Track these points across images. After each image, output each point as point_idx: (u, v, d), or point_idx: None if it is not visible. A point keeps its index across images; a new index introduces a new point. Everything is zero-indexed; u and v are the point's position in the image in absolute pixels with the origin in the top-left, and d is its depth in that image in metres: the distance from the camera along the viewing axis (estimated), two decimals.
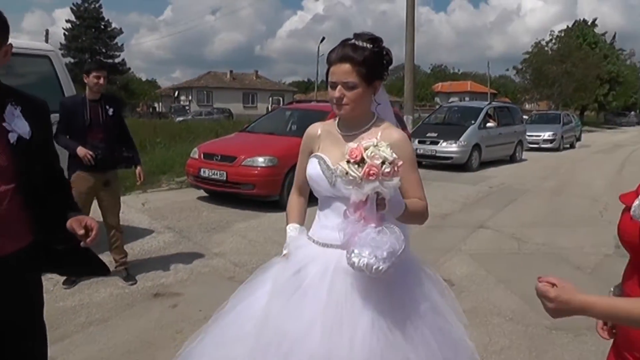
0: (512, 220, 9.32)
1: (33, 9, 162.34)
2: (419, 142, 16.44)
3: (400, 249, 2.17)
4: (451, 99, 56.09)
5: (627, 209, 1.80)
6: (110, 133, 5.75)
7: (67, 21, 64.34)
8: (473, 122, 17.21)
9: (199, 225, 8.34)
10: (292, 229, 2.63)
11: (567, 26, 62.53)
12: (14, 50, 6.16)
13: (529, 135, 22.09)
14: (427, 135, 16.88)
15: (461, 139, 16.30)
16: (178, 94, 68.07)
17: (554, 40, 56.64)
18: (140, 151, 6.80)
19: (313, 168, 2.50)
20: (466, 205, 10.74)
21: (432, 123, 18.72)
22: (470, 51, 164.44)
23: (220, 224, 8.46)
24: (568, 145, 26.53)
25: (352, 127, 2.51)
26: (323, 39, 53.71)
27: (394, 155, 2.11)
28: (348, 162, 2.11)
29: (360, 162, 2.09)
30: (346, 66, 2.37)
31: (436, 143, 16.51)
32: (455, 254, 7.16)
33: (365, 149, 2.10)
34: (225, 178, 9.42)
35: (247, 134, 11.65)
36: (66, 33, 63.76)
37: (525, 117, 25.50)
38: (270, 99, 66.22)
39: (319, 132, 2.61)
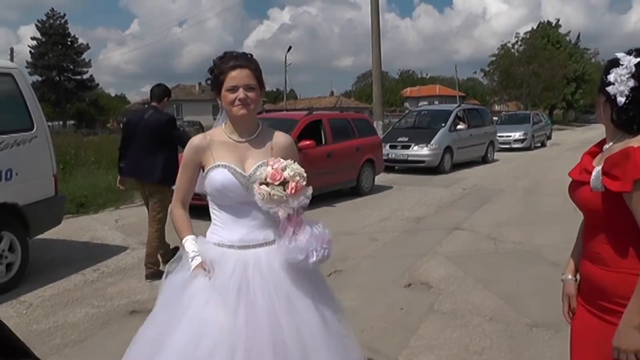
0: (487, 220, 9.38)
1: None
2: (390, 147, 16.48)
3: (329, 234, 2.62)
4: (420, 103, 56.43)
5: (579, 182, 2.19)
6: None
7: (33, 38, 63.62)
8: (443, 125, 17.33)
9: (174, 240, 8.21)
10: (192, 240, 2.70)
11: (532, 28, 63.57)
12: None
13: (499, 136, 22.33)
14: (398, 139, 16.96)
15: (432, 142, 16.40)
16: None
17: (519, 42, 57.58)
18: (112, 168, 6.73)
19: (224, 177, 2.61)
20: (440, 208, 10.78)
21: (402, 127, 18.79)
22: (438, 55, 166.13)
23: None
24: (539, 144, 26.89)
25: (244, 133, 2.72)
26: (290, 48, 53.84)
27: (301, 168, 2.51)
28: (267, 184, 2.44)
29: (283, 182, 2.44)
30: (246, 71, 2.63)
31: (407, 147, 16.59)
32: (432, 256, 7.17)
33: (284, 169, 2.46)
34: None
35: None
36: (32, 51, 63.00)
37: (495, 118, 25.78)
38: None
39: (207, 142, 2.72)
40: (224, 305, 2.47)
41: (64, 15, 65.33)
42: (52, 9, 66.63)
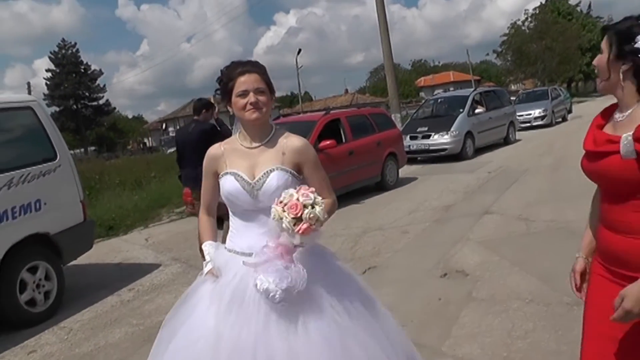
0: (516, 201, 9.28)
1: (13, 63, 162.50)
2: (411, 138, 16.40)
3: (299, 288, 2.40)
4: (436, 92, 56.00)
5: (601, 153, 2.14)
6: None
7: (47, 70, 64.52)
8: (461, 110, 17.19)
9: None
10: (209, 246, 2.75)
11: (541, 2, 62.75)
12: None
13: (519, 115, 22.09)
14: (418, 130, 16.85)
15: (452, 128, 16.27)
16: (166, 126, 67.99)
17: (529, 19, 56.88)
18: (135, 188, 6.86)
19: (231, 184, 2.64)
20: (468, 194, 10.70)
21: (420, 118, 18.68)
22: (448, 42, 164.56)
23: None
24: (560, 119, 26.54)
25: (256, 139, 2.73)
26: (300, 50, 53.77)
27: (325, 215, 2.44)
28: (283, 210, 2.38)
29: (298, 218, 2.36)
30: (255, 75, 2.64)
31: (428, 137, 16.47)
32: (465, 244, 7.11)
33: (305, 207, 2.37)
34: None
35: None
36: (48, 82, 63.95)
37: (512, 98, 25.52)
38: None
39: (222, 151, 2.77)
40: (216, 313, 2.51)
41: (75, 44, 66.12)
42: (63, 39, 67.51)
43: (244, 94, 2.62)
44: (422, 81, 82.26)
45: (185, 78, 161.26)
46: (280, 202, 2.42)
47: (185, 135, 7.22)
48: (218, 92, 2.79)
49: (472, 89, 20.72)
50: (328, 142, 10.52)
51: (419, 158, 16.57)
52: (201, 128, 7.02)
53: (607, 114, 2.30)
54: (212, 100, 7.41)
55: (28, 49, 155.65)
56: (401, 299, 5.45)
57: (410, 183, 12.97)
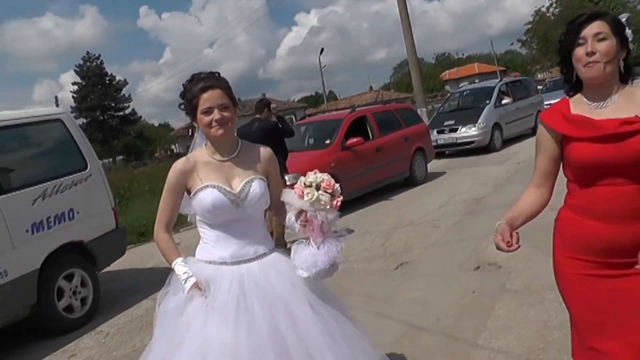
0: None
1: (40, 79, 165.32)
2: (438, 132, 16.29)
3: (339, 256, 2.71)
4: (461, 84, 55.52)
5: (617, 135, 2.17)
6: None
7: (74, 83, 65.37)
8: (488, 102, 17.02)
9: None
10: (181, 262, 2.72)
11: None
12: (26, 120, 6.35)
13: (547, 104, 21.73)
14: (445, 124, 16.72)
15: (479, 121, 16.12)
16: (192, 132, 68.41)
17: (554, 5, 56.01)
18: None
19: (214, 196, 2.65)
20: (498, 186, 10.60)
21: (447, 111, 18.52)
22: (471, 33, 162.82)
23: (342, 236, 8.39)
24: None
25: (225, 152, 2.78)
26: (322, 50, 53.76)
27: None
28: (318, 188, 2.58)
29: (333, 193, 2.60)
30: (217, 91, 2.65)
31: (455, 130, 16.34)
32: None
33: (335, 184, 2.63)
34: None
35: None
36: (74, 95, 64.77)
37: (539, 87, 25.15)
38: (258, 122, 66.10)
39: (191, 165, 2.76)
40: (224, 322, 2.51)
41: (99, 56, 66.89)
42: (87, 52, 68.56)
43: (208, 111, 2.64)
44: (446, 74, 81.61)
45: None
46: (306, 185, 2.60)
47: (248, 133, 7.50)
48: (182, 106, 2.80)
49: (498, 80, 20.41)
50: (355, 140, 10.52)
51: (447, 152, 16.46)
52: (264, 126, 7.85)
53: (564, 109, 2.38)
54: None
55: (54, 64, 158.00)
56: (435, 293, 5.44)
57: (439, 177, 12.89)
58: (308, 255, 2.64)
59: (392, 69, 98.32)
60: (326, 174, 2.66)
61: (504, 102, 17.46)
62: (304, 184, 2.62)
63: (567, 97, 2.45)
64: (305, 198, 2.57)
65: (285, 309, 2.60)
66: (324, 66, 52.79)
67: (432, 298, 5.31)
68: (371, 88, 68.91)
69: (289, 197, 2.66)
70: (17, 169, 6.17)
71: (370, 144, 11.22)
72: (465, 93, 19.98)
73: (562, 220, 2.50)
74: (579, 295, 2.39)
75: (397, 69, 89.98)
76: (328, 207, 2.59)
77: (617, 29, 2.22)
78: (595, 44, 2.19)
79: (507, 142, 16.84)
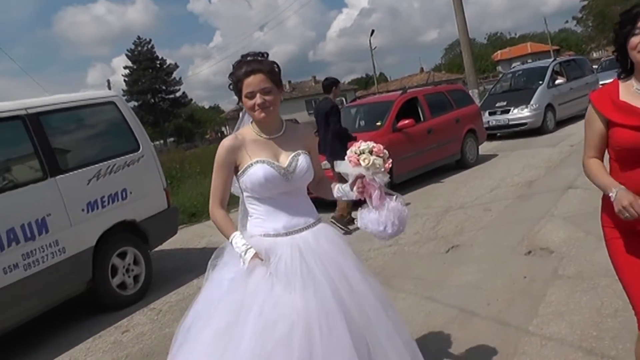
0: None
1: (93, 63, 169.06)
2: (490, 113, 15.95)
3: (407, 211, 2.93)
4: (513, 65, 54.36)
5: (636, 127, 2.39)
6: None
7: (125, 67, 66.77)
8: (541, 82, 16.54)
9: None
10: (238, 236, 2.82)
11: None
12: (81, 103, 6.51)
13: (602, 84, 21.12)
14: (497, 105, 16.37)
15: (532, 102, 15.72)
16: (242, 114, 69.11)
17: None
18: None
19: (265, 171, 2.77)
20: (550, 169, 10.36)
21: (499, 92, 18.13)
22: (524, 12, 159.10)
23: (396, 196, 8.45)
24: None
25: (272, 131, 2.89)
26: (373, 31, 53.37)
27: None
28: (371, 153, 2.78)
29: (384, 157, 2.81)
30: (260, 76, 2.74)
31: (507, 111, 15.99)
32: (549, 219, 6.91)
33: (383, 149, 2.84)
34: None
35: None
36: (126, 79, 66.15)
37: (595, 66, 24.42)
38: (313, 103, 66.00)
39: (240, 142, 2.86)
40: (291, 288, 2.61)
41: (150, 40, 68.14)
42: (139, 36, 69.96)
43: (251, 95, 2.75)
44: (498, 55, 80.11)
45: None
46: (359, 153, 2.79)
47: (316, 110, 8.66)
48: (231, 86, 2.87)
49: (552, 60, 19.82)
50: (406, 122, 10.42)
51: (498, 134, 16.16)
52: (323, 106, 8.38)
53: (614, 93, 2.55)
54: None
55: (106, 48, 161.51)
56: (486, 277, 5.37)
57: (490, 160, 12.66)
58: (378, 219, 2.83)
59: (443, 50, 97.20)
60: (371, 142, 2.86)
61: (557, 82, 16.97)
62: (356, 152, 2.79)
63: (619, 79, 2.59)
64: (363, 164, 2.75)
65: (342, 274, 2.74)
66: (375, 48, 52.41)
67: (483, 282, 5.24)
68: (422, 69, 68.30)
69: (344, 166, 2.84)
70: (72, 150, 6.33)
71: (421, 125, 11.07)
72: (517, 73, 19.50)
73: (606, 196, 2.56)
74: (626, 256, 2.60)
75: (449, 49, 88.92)
76: (382, 170, 2.79)
77: None
78: None
79: (561, 123, 16.40)
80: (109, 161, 6.32)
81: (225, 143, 2.86)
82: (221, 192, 2.91)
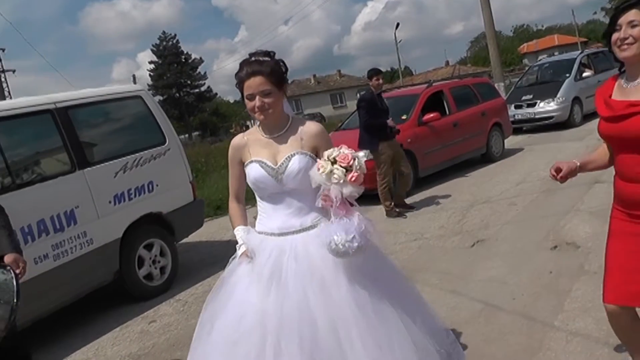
0: None
1: (119, 58, 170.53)
2: (515, 107, 15.78)
3: (368, 229, 2.68)
4: (540, 57, 53.60)
5: (625, 115, 2.60)
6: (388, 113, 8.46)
7: (150, 62, 67.30)
8: (568, 75, 16.30)
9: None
10: (241, 230, 2.96)
11: None
12: (108, 97, 6.59)
13: None
14: (523, 98, 16.19)
15: (558, 95, 15.52)
16: None
17: None
18: None
19: (256, 171, 2.84)
20: None
21: (525, 85, 17.90)
22: (551, 3, 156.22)
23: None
24: None
25: (275, 130, 2.90)
26: (398, 25, 53.12)
27: (365, 169, 2.68)
28: (334, 162, 2.61)
29: (348, 167, 2.61)
30: (259, 78, 2.75)
31: (533, 105, 15.80)
32: (575, 214, 6.84)
33: (354, 158, 2.63)
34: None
35: (343, 132, 11.64)
36: (151, 74, 66.66)
37: None
38: (358, 94, 65.31)
39: (245, 141, 2.95)
40: (257, 290, 2.71)
41: (175, 35, 68.73)
42: (163, 31, 70.27)
43: (251, 97, 2.79)
44: (524, 47, 79.04)
45: (284, 60, 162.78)
46: (325, 159, 2.65)
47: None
48: (237, 86, 2.90)
49: (579, 52, 19.50)
50: (432, 115, 10.34)
51: (524, 128, 15.99)
52: (360, 98, 8.90)
53: (609, 88, 2.77)
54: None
55: (132, 43, 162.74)
56: (511, 271, 5.34)
57: (516, 154, 12.55)
58: (324, 230, 2.69)
59: (468, 43, 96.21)
60: (349, 148, 2.70)
61: (585, 75, 16.68)
62: (324, 157, 2.68)
63: (616, 76, 2.81)
64: (319, 171, 2.65)
65: (320, 283, 2.68)
66: (400, 41, 52.16)
67: (508, 277, 5.21)
68: (447, 63, 67.77)
69: (312, 171, 2.74)
70: (100, 143, 6.41)
71: (447, 119, 10.99)
72: (544, 66, 19.25)
73: (614, 179, 2.90)
74: (616, 236, 2.89)
75: (474, 42, 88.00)
76: (342, 181, 2.61)
77: None
78: (628, 30, 2.55)
79: (588, 117, 16.09)
80: (136, 154, 6.41)
81: (233, 142, 3.01)
82: (234, 186, 3.04)
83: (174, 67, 66.21)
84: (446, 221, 7.65)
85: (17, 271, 3.24)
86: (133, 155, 6.37)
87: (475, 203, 8.42)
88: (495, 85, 17.40)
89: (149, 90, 7.17)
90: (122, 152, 6.33)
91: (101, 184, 5.98)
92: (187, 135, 58.08)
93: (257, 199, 2.96)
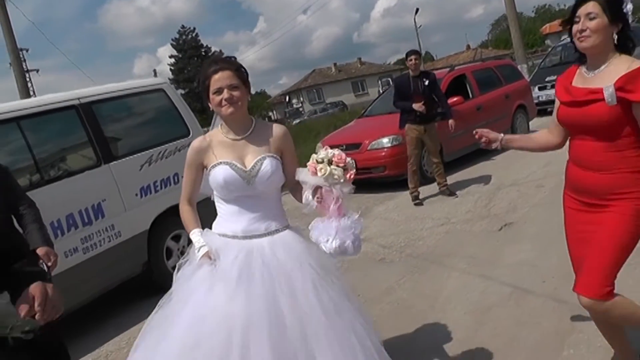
0: None
1: (140, 54, 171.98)
2: (539, 88, 15.53)
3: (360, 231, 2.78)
4: (563, 37, 52.90)
5: (584, 101, 2.71)
6: (427, 97, 8.20)
7: (171, 56, 67.68)
8: None
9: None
10: (198, 232, 2.90)
11: None
12: (131, 91, 6.61)
13: None
14: (547, 79, 15.91)
15: None
16: (289, 98, 69.26)
17: None
18: None
19: (227, 173, 2.80)
20: None
21: (548, 66, 17.62)
22: None
23: (360, 211, 8.45)
24: None
25: (239, 131, 2.91)
26: (417, 10, 52.58)
27: None
28: (330, 163, 2.67)
29: (345, 167, 2.69)
30: (227, 72, 2.79)
31: None
32: None
33: (346, 158, 2.71)
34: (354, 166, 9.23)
35: (366, 119, 11.60)
36: (172, 68, 67.00)
37: None
38: (379, 81, 65.34)
39: (207, 144, 2.92)
40: (225, 291, 2.64)
41: (194, 29, 69.15)
42: (182, 25, 70.85)
43: (219, 91, 2.79)
44: (547, 28, 77.45)
45: (304, 50, 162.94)
46: (319, 162, 2.69)
47: None
48: (198, 89, 2.93)
49: None
50: (455, 99, 10.24)
51: (549, 109, 15.72)
52: (394, 78, 9.00)
53: (570, 75, 2.91)
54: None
55: (151, 39, 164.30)
56: (540, 254, 5.28)
57: None
58: (325, 230, 2.73)
59: (489, 26, 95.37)
60: (337, 149, 2.75)
61: None
62: (316, 160, 2.71)
63: (578, 64, 2.92)
64: (319, 174, 2.68)
65: (288, 287, 2.69)
66: (420, 27, 51.59)
67: (537, 260, 5.15)
68: (468, 47, 67.00)
69: (303, 175, 2.78)
70: (124, 137, 6.45)
71: (470, 103, 10.91)
72: (567, 45, 18.81)
73: (566, 164, 3.04)
74: (568, 226, 3.08)
75: (495, 25, 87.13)
76: (342, 180, 2.69)
77: (610, 7, 2.62)
78: (586, 22, 2.64)
79: None
80: (160, 147, 6.43)
81: (194, 144, 2.97)
82: (188, 190, 3.02)
83: (194, 60, 66.48)
84: (473, 205, 7.59)
85: (49, 264, 3.28)
86: (158, 148, 6.40)
87: (501, 186, 8.34)
88: (518, 67, 17.20)
89: (170, 84, 7.19)
90: (147, 145, 6.36)
91: (127, 177, 6.03)
92: (209, 128, 58.22)
93: (219, 201, 2.94)
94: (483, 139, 3.14)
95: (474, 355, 3.80)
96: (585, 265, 2.84)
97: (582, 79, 2.81)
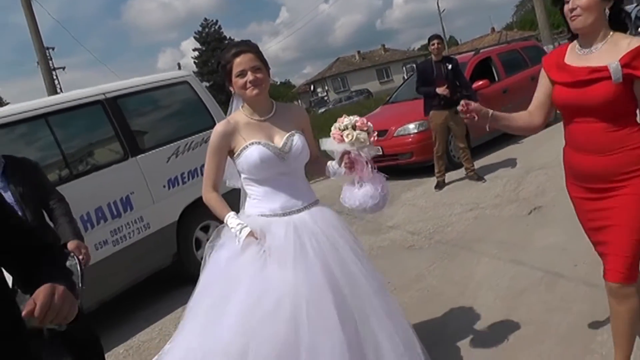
0: None
1: (163, 48, 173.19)
2: None
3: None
4: None
5: (588, 80, 2.60)
6: (451, 82, 8.15)
7: (194, 50, 67.90)
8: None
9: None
10: (233, 215, 2.89)
11: None
12: (156, 84, 6.66)
13: None
14: None
15: None
16: (314, 87, 69.18)
17: None
18: None
19: (262, 152, 2.81)
20: None
21: None
22: None
23: None
24: None
25: (263, 112, 2.94)
26: None
27: None
28: (354, 128, 2.80)
29: (368, 131, 2.83)
30: (249, 55, 2.82)
31: None
32: None
33: (367, 122, 2.86)
34: (381, 152, 9.13)
35: (391, 106, 11.52)
36: (196, 61, 67.29)
37: None
38: (404, 68, 64.94)
39: (233, 126, 2.90)
40: (283, 265, 2.66)
41: (217, 21, 69.26)
42: (205, 18, 70.98)
43: (242, 73, 2.81)
44: None
45: (327, 38, 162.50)
46: (342, 129, 2.81)
47: None
48: (218, 75, 2.94)
49: (634, 5, 18.70)
50: (481, 83, 10.10)
51: None
52: (417, 64, 8.99)
53: (561, 53, 2.80)
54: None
55: (174, 33, 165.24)
56: (570, 238, 5.18)
57: None
58: (364, 192, 2.90)
59: (514, 7, 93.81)
60: (354, 116, 2.89)
61: None
62: (339, 128, 2.82)
63: (569, 42, 2.84)
64: (346, 140, 2.79)
65: (337, 254, 2.79)
66: (443, 11, 51.24)
67: (568, 244, 5.07)
68: (493, 29, 66.15)
69: (329, 144, 2.89)
70: (150, 130, 6.50)
71: (496, 86, 10.75)
72: None
73: (563, 151, 2.98)
74: (579, 215, 3.01)
75: (520, 6, 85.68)
76: (368, 143, 2.81)
77: None
78: (576, 1, 2.57)
79: None
80: (187, 139, 6.47)
81: (218, 129, 2.92)
82: (213, 176, 2.98)
83: (217, 52, 66.10)
84: (501, 190, 7.51)
85: (80, 257, 3.33)
86: (184, 140, 6.44)
87: (530, 170, 8.23)
88: (544, 48, 16.89)
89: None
90: (173, 138, 6.40)
91: (154, 170, 6.08)
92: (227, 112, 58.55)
93: (250, 183, 2.94)
94: (468, 115, 2.98)
95: (506, 340, 3.76)
96: (609, 252, 2.81)
97: (577, 57, 2.73)
